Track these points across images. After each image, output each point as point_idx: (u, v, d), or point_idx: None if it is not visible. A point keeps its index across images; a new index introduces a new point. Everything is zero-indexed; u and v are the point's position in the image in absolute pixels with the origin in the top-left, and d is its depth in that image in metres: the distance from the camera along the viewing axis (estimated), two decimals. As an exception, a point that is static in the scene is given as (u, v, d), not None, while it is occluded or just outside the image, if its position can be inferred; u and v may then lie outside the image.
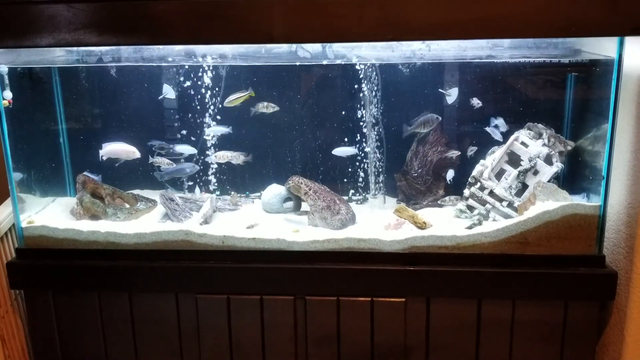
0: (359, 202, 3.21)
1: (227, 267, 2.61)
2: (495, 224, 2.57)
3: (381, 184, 3.18)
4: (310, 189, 2.76)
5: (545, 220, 2.51)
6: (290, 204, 2.88)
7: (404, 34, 2.36)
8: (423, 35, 2.42)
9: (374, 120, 3.09)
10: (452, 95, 3.03)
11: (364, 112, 3.08)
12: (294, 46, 2.75)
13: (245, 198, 3.23)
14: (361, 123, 3.11)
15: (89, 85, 3.21)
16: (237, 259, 2.62)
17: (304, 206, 2.93)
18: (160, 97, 3.05)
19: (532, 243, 2.54)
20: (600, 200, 2.46)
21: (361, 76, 2.99)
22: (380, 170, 3.23)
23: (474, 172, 2.79)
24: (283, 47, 2.80)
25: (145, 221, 2.77)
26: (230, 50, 2.87)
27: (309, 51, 2.72)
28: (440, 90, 3.00)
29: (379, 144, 3.13)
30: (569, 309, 2.45)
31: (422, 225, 2.63)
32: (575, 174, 2.77)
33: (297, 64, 2.84)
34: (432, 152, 3.14)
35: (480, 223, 2.63)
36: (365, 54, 2.86)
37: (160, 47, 2.85)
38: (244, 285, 2.61)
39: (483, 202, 2.76)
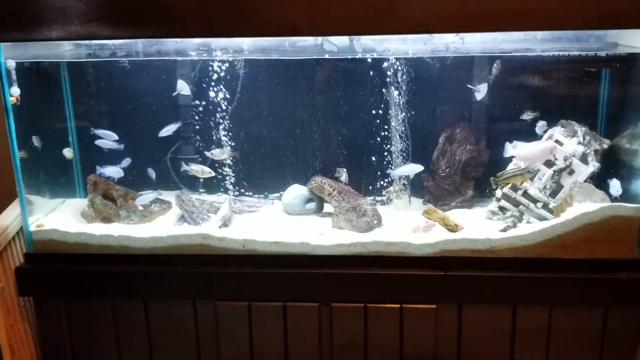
0: (383, 203, 3.06)
1: (248, 272, 2.53)
2: (531, 227, 2.46)
3: (407, 184, 3.03)
4: (334, 190, 2.63)
5: (584, 222, 2.41)
6: (312, 205, 2.75)
7: (436, 25, 2.21)
8: (456, 28, 2.28)
9: (402, 118, 2.93)
10: (481, 91, 2.89)
11: (392, 108, 2.93)
12: (319, 39, 2.61)
13: (265, 199, 3.08)
14: (389, 120, 2.95)
15: (100, 81, 3.05)
16: (258, 264, 2.53)
17: (327, 207, 2.78)
18: (175, 93, 2.89)
19: (570, 246, 2.43)
20: None
21: (391, 71, 2.83)
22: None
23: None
24: (308, 40, 2.65)
25: (160, 224, 2.63)
26: (250, 43, 2.71)
27: (335, 44, 2.57)
28: (468, 85, 2.85)
29: (406, 142, 2.98)
30: (609, 315, 2.38)
31: (453, 228, 2.50)
32: (612, 174, 2.64)
33: (325, 56, 2.68)
34: (460, 151, 3.01)
35: (515, 225, 2.50)
36: (395, 47, 2.71)
37: (178, 40, 2.69)
38: (266, 291, 2.53)
39: (516, 204, 2.61)
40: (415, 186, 3.11)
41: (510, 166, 2.81)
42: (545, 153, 2.59)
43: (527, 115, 2.76)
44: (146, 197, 2.82)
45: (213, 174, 2.84)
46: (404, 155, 3.08)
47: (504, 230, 2.50)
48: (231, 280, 2.53)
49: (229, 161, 3.05)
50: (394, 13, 2.17)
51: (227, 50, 2.81)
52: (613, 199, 2.47)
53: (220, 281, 2.53)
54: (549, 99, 2.91)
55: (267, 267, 2.51)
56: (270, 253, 2.53)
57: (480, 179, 2.90)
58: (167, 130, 2.84)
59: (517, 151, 2.52)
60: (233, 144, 3.00)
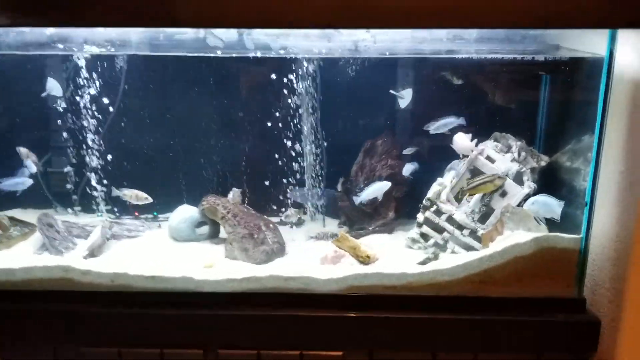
0: (293, 225, 2.64)
1: (119, 313, 2.14)
2: (455, 259, 2.21)
3: (321, 202, 2.64)
4: (229, 212, 2.22)
5: (514, 254, 2.14)
6: (205, 229, 2.31)
7: (341, 19, 1.78)
8: (370, 23, 1.86)
9: (313, 128, 2.52)
10: (405, 97, 2.51)
11: (303, 116, 2.51)
12: (201, 32, 2.15)
13: (153, 220, 2.62)
14: (298, 130, 2.53)
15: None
16: (131, 303, 2.16)
17: (224, 232, 2.35)
18: (44, 94, 2.40)
19: (498, 282, 2.17)
20: (582, 231, 2.12)
21: (298, 72, 2.41)
22: (319, 185, 2.66)
23: (430, 194, 2.26)
24: (188, 33, 2.19)
25: (18, 251, 2.15)
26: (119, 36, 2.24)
27: (221, 39, 2.12)
28: (391, 91, 2.46)
29: (318, 155, 2.57)
30: (543, 364, 1.99)
31: (365, 260, 2.12)
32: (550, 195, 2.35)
33: (218, 54, 2.24)
34: (380, 166, 2.61)
35: (436, 257, 2.14)
36: (294, 44, 2.28)
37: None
38: (140, 336, 2.15)
39: (440, 230, 2.22)
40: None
41: (434, 187, 2.42)
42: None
43: (447, 125, 2.39)
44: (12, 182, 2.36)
45: (150, 200, 2.53)
46: (316, 170, 2.66)
47: (424, 262, 2.16)
48: (98, 322, 2.14)
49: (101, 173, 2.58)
50: (294, 3, 1.72)
51: (103, 44, 2.32)
52: (549, 225, 2.19)
53: (86, 323, 2.15)
54: (481, 108, 2.53)
55: (141, 306, 2.14)
56: (146, 290, 2.11)
57: (403, 198, 2.49)
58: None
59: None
60: (110, 154, 2.52)
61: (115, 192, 2.57)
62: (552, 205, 2.24)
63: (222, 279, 2.18)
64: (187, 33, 2.20)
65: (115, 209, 2.70)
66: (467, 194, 2.30)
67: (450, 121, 2.41)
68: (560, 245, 2.13)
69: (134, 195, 2.55)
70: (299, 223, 2.71)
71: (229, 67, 2.49)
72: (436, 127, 2.44)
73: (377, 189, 2.45)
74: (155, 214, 2.72)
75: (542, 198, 2.27)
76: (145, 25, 2.02)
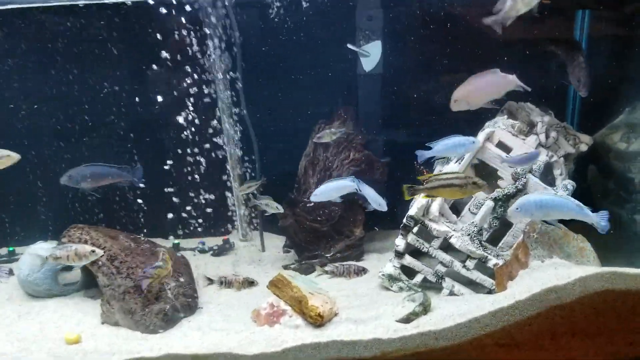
0: (216, 253, 1.83)
1: None
2: (455, 312, 1.54)
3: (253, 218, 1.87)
4: (102, 253, 1.38)
5: (549, 303, 1.47)
6: (74, 275, 1.50)
7: None
8: None
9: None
10: (371, 55, 1.70)
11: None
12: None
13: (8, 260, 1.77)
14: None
15: None
16: None
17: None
18: None
19: (525, 346, 1.51)
20: None
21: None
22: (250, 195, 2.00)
23: (413, 210, 1.43)
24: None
25: None
26: None
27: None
28: (350, 46, 1.67)
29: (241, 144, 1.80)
30: None
31: (315, 320, 1.29)
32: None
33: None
34: (339, 162, 1.78)
35: (425, 310, 1.60)
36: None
37: None
38: None
39: (431, 261, 1.42)
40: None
41: (419, 200, 1.58)
42: (496, 88, 1.57)
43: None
44: None
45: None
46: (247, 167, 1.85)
47: (407, 320, 1.55)
48: None
49: None
50: None
51: None
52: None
53: None
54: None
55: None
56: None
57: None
58: None
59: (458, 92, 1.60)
60: None
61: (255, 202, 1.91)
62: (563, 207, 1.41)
63: (90, 363, 1.41)
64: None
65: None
66: (419, 193, 1.60)
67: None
68: (622, 286, 1.47)
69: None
70: (221, 251, 1.89)
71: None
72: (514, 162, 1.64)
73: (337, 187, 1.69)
74: (10, 249, 1.85)
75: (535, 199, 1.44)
76: None
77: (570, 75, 1.78)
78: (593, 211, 1.56)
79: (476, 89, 1.57)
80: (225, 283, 1.73)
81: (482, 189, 1.65)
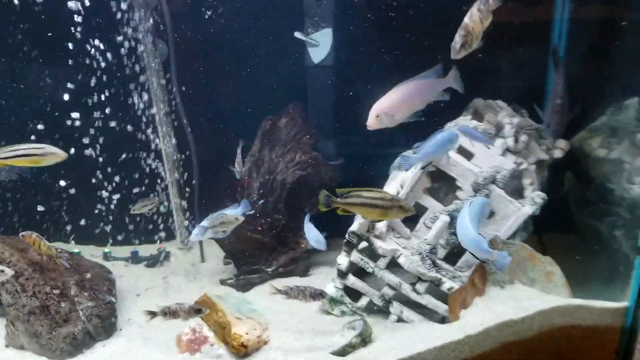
0: (150, 264, 1.66)
1: None
2: (396, 346, 1.37)
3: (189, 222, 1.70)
4: (8, 267, 1.23)
5: (505, 338, 1.31)
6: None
7: None
8: None
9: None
10: (320, 44, 1.50)
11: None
12: None
13: None
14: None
15: None
16: None
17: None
18: None
19: None
20: (631, 295, 1.31)
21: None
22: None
23: (356, 225, 1.23)
24: None
25: None
26: None
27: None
28: (297, 34, 1.46)
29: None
30: None
31: (238, 350, 1.11)
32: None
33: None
34: (284, 164, 1.59)
35: (364, 341, 1.36)
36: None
37: None
38: None
39: (377, 283, 1.25)
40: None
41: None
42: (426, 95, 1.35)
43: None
44: None
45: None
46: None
47: (343, 352, 1.39)
48: None
49: None
50: None
51: None
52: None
53: None
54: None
55: None
56: None
57: (326, 214, 1.42)
58: None
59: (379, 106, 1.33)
60: None
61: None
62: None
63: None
64: None
65: None
66: (336, 207, 1.32)
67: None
68: (589, 321, 1.35)
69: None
70: (156, 262, 1.71)
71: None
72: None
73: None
74: None
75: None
76: None
77: (544, 114, 1.57)
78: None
79: (402, 100, 1.30)
80: (170, 313, 1.51)
81: (407, 214, 1.41)
